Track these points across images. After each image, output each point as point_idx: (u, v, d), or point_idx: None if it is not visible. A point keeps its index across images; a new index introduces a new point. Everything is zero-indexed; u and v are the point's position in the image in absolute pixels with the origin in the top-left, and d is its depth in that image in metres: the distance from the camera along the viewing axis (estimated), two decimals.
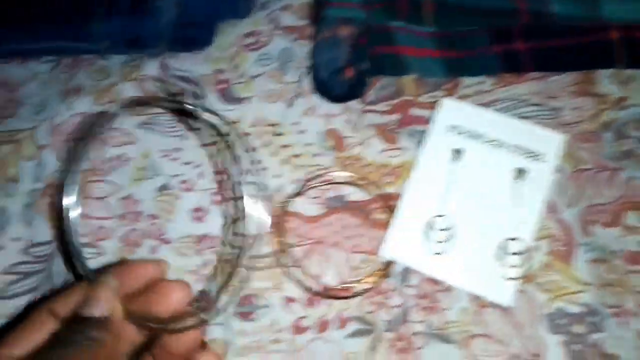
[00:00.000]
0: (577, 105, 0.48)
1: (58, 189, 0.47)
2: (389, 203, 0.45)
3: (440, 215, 0.43)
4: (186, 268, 0.44)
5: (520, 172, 0.44)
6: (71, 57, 0.53)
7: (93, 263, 0.44)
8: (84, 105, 0.50)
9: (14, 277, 0.44)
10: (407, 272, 0.43)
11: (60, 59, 0.53)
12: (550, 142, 0.44)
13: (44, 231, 0.46)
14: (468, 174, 0.44)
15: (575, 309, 0.40)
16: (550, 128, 0.46)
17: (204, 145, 0.49)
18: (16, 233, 0.46)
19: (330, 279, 0.43)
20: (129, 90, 0.51)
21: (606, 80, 0.49)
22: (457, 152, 0.45)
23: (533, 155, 0.44)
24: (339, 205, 0.46)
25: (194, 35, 0.52)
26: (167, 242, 0.45)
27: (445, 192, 0.44)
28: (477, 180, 0.44)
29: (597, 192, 0.44)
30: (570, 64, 0.48)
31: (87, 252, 0.45)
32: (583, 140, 0.46)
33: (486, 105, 0.48)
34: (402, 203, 0.44)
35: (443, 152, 0.45)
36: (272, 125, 0.49)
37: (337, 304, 0.43)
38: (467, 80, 0.50)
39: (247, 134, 0.49)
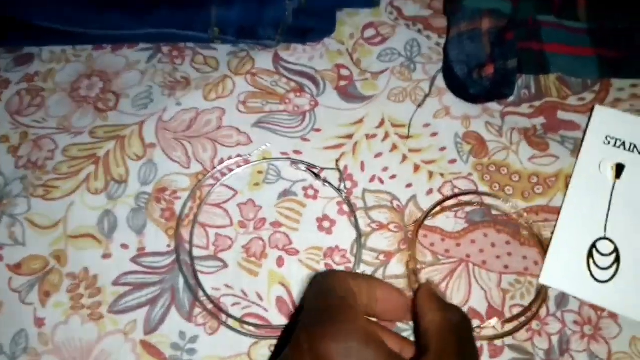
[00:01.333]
0: None
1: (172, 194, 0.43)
2: (540, 217, 0.41)
3: (603, 238, 0.39)
4: None
5: None
6: (170, 46, 0.50)
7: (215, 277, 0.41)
8: (194, 101, 0.47)
9: (124, 288, 0.41)
10: (565, 294, 0.39)
11: (157, 47, 0.50)
12: None
13: (159, 240, 0.42)
14: (631, 192, 0.40)
15: None
16: None
17: (325, 148, 0.45)
18: (124, 239, 0.42)
19: (477, 304, 0.40)
20: (242, 85, 0.47)
21: None
22: (619, 167, 0.41)
23: None
24: (481, 219, 0.42)
25: (313, 25, 0.48)
26: (292, 253, 0.42)
27: (607, 212, 0.40)
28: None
29: None
30: None
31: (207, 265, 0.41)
32: None
33: None
34: (560, 223, 0.40)
35: (602, 167, 0.41)
36: (400, 126, 0.46)
37: (484, 331, 0.39)
38: (618, 83, 0.46)
39: (373, 135, 0.45)
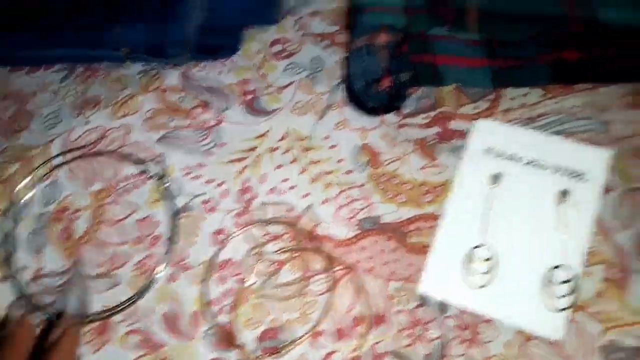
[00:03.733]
0: (630, 118, 0.46)
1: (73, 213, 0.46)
2: (428, 224, 0.43)
3: (480, 245, 0.41)
4: (205, 298, 0.43)
5: (564, 194, 0.42)
6: (84, 66, 0.52)
7: (109, 295, 0.43)
8: (102, 119, 0.49)
9: (22, 310, 0.43)
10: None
11: (72, 68, 0.52)
12: (596, 160, 0.42)
13: (55, 260, 0.44)
14: (508, 200, 0.42)
15: (631, 342, 0.38)
16: (602, 143, 0.44)
17: (230, 161, 0.47)
18: (24, 261, 0.44)
19: (363, 310, 0.42)
20: (150, 102, 0.50)
21: None
22: (495, 177, 0.43)
23: (577, 175, 0.42)
24: (372, 226, 0.44)
25: (220, 42, 0.50)
26: (186, 268, 0.44)
27: (484, 220, 0.42)
28: (518, 205, 0.42)
29: None
30: (626, 74, 0.46)
31: (101, 283, 0.43)
32: (636, 157, 0.44)
33: (532, 119, 0.46)
34: (440, 232, 0.42)
35: (480, 177, 0.43)
36: (302, 139, 0.48)
37: (371, 336, 0.41)
38: (511, 92, 0.48)
39: (276, 148, 0.47)
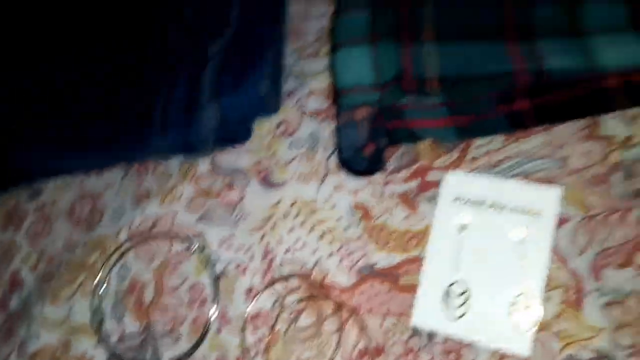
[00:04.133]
0: (585, 150, 0.52)
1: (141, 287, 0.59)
2: (415, 266, 0.52)
3: (455, 282, 0.49)
4: (244, 344, 0.54)
5: (522, 232, 0.49)
6: (138, 164, 0.65)
7: (175, 348, 0.55)
8: (153, 208, 0.62)
9: None
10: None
11: (129, 166, 0.66)
12: (547, 196, 0.49)
13: (133, 324, 0.57)
14: (475, 241, 0.50)
15: (585, 355, 0.45)
16: (559, 178, 0.51)
17: (253, 229, 0.58)
18: (111, 328, 0.58)
19: (366, 344, 0.51)
20: (188, 190, 0.62)
21: (612, 122, 0.52)
22: (463, 222, 0.51)
23: (532, 212, 0.49)
24: (370, 272, 0.53)
25: (235, 134, 0.62)
26: (228, 322, 0.55)
27: (457, 260, 0.50)
28: (483, 245, 0.49)
29: (609, 235, 0.48)
30: (572, 114, 0.52)
31: (168, 339, 0.56)
32: (593, 184, 0.50)
33: (496, 164, 0.53)
34: (423, 273, 0.51)
35: (452, 222, 0.51)
36: (307, 203, 0.58)
37: None
38: (478, 141, 0.55)
39: (287, 214, 0.58)
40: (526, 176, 0.52)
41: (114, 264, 0.60)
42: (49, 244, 0.64)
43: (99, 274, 0.60)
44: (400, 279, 0.52)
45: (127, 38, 0.66)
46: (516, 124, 0.53)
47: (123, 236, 0.61)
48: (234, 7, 0.62)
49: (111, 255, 0.61)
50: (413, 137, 0.56)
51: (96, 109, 0.65)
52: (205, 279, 0.57)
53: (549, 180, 0.51)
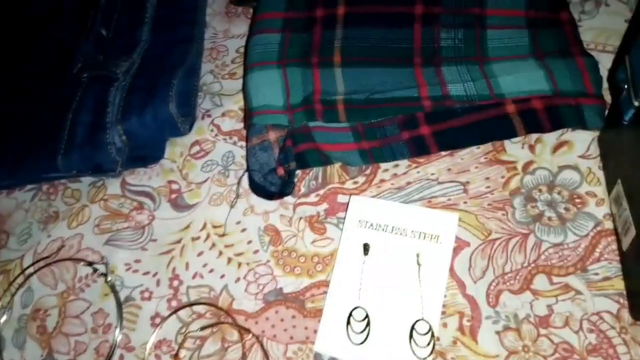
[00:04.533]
0: (487, 175, 0.52)
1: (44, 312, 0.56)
2: (320, 291, 0.51)
3: (357, 307, 0.49)
4: None
5: (420, 256, 0.49)
6: (48, 184, 0.63)
7: None
8: (60, 231, 0.59)
9: None
10: None
11: (40, 186, 0.63)
12: (445, 223, 0.49)
13: (35, 352, 0.55)
14: (377, 265, 0.49)
15: None
16: (459, 203, 0.51)
17: (160, 254, 0.56)
18: (11, 356, 0.55)
19: None
20: (96, 211, 0.60)
21: (513, 147, 0.53)
22: (366, 246, 0.50)
23: (430, 237, 0.49)
24: (275, 298, 0.52)
25: (145, 154, 0.60)
26: (131, 349, 0.53)
27: (360, 285, 0.49)
28: (384, 269, 0.49)
29: (507, 260, 0.49)
30: (472, 140, 0.52)
31: None
32: (493, 209, 0.51)
33: (401, 188, 0.53)
34: (327, 298, 0.50)
35: (356, 247, 0.50)
36: (218, 227, 0.57)
37: None
38: (385, 165, 0.55)
39: (197, 238, 0.57)
40: (428, 201, 0.52)
41: (17, 289, 0.57)
42: None
43: (1, 300, 0.57)
44: (306, 305, 0.51)
45: (38, 55, 0.64)
46: (420, 149, 0.53)
47: (28, 260, 0.59)
48: (145, 25, 0.60)
49: (14, 279, 0.58)
50: (322, 160, 0.55)
51: (6, 125, 0.63)
52: (110, 305, 0.55)
53: (450, 205, 0.51)
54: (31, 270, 0.58)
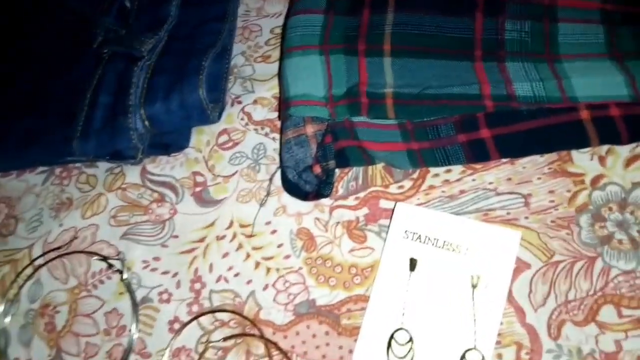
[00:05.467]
0: (551, 187, 0.46)
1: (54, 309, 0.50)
2: (358, 306, 0.45)
3: (400, 329, 0.43)
4: None
5: (477, 278, 0.42)
6: (61, 167, 0.57)
7: None
8: (73, 220, 0.53)
9: None
10: None
11: (52, 169, 0.57)
12: (506, 241, 0.43)
13: (42, 351, 0.49)
14: (424, 283, 0.43)
15: None
16: (519, 218, 0.45)
17: (182, 252, 0.50)
18: (16, 354, 0.49)
19: None
20: (113, 201, 0.54)
21: (582, 158, 0.46)
22: (413, 261, 0.44)
23: (488, 256, 0.43)
24: (307, 311, 0.46)
25: (169, 141, 0.54)
26: (147, 356, 0.48)
27: (404, 304, 0.43)
28: (433, 289, 0.43)
29: (571, 287, 0.43)
30: (539, 147, 0.46)
31: None
32: (557, 227, 0.44)
33: (453, 197, 0.47)
34: (366, 315, 0.44)
35: (400, 261, 0.44)
36: (245, 226, 0.50)
37: None
38: (435, 169, 0.48)
39: (223, 237, 0.50)
40: (485, 213, 0.45)
41: (25, 281, 0.52)
42: None
43: (7, 291, 0.51)
44: (341, 321, 0.45)
45: (55, 27, 0.57)
46: (478, 154, 0.46)
47: (37, 250, 0.53)
48: None
49: (23, 270, 0.52)
50: (365, 159, 0.49)
51: (18, 99, 0.56)
52: (125, 305, 0.49)
53: (509, 220, 0.45)
54: (41, 261, 0.52)
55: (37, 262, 0.52)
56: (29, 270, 0.52)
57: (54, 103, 0.54)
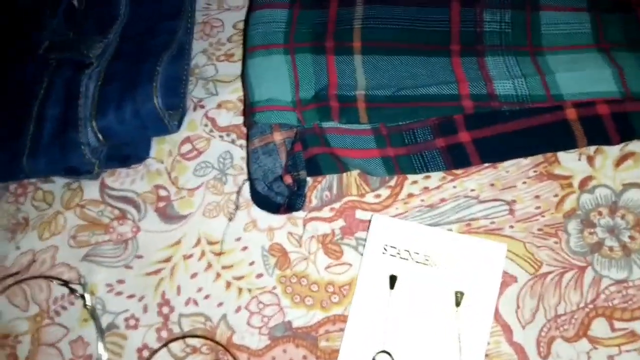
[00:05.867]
0: (537, 192, 0.43)
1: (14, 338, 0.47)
2: (336, 327, 0.42)
3: (382, 352, 0.40)
4: None
5: (461, 295, 0.39)
6: (17, 184, 0.52)
7: None
8: (31, 242, 0.49)
9: None
10: None
11: (6, 185, 0.52)
12: (491, 255, 0.40)
13: None
14: (406, 301, 0.40)
15: None
16: (504, 226, 0.42)
17: (147, 274, 0.47)
18: None
19: None
20: (72, 220, 0.50)
21: (569, 159, 0.43)
22: (393, 278, 0.41)
23: (473, 273, 0.40)
24: (283, 334, 0.43)
25: (128, 152, 0.49)
26: None
27: (385, 324, 0.40)
28: (415, 307, 0.40)
29: (561, 300, 0.40)
30: (523, 150, 0.42)
31: None
32: (544, 236, 0.41)
33: (433, 206, 0.43)
34: (345, 337, 0.41)
35: (379, 278, 0.41)
36: (214, 243, 0.47)
37: None
38: (413, 176, 0.45)
39: (190, 256, 0.47)
40: (467, 223, 0.42)
41: None
42: None
43: None
44: (319, 343, 0.42)
45: (4, 34, 0.52)
46: (458, 160, 0.43)
47: None
48: None
49: None
50: (338, 166, 0.45)
51: None
52: (91, 333, 0.46)
53: (493, 230, 0.42)
54: None
55: None
56: None
57: (2, 115, 0.49)
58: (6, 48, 0.52)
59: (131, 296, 0.46)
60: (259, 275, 0.45)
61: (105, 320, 0.46)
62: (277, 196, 0.45)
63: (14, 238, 0.50)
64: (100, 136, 0.46)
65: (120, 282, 0.47)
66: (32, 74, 0.49)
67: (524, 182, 0.43)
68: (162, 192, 0.49)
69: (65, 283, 0.47)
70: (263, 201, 0.46)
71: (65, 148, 0.46)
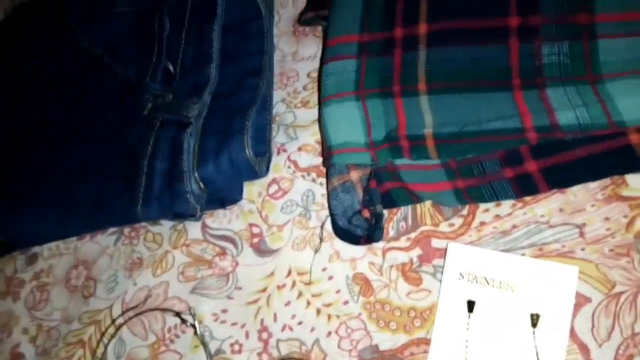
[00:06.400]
0: (606, 214, 0.44)
1: None
2: (421, 349, 0.45)
3: None
4: None
5: (536, 317, 0.41)
6: (130, 227, 0.59)
7: None
8: (146, 279, 0.56)
9: None
10: None
11: (122, 229, 0.60)
12: (564, 278, 0.41)
13: None
14: (484, 324, 0.43)
15: None
16: (576, 250, 0.43)
17: (247, 303, 0.52)
18: None
19: None
20: (179, 257, 0.56)
21: (637, 179, 0.44)
22: (471, 303, 0.43)
23: (547, 295, 0.41)
24: (371, 356, 0.47)
25: (224, 195, 0.55)
26: None
27: (466, 344, 0.43)
28: (493, 330, 0.42)
29: (637, 319, 0.41)
30: (588, 175, 0.44)
31: None
32: (616, 256, 0.42)
33: (505, 232, 0.46)
34: (430, 359, 0.44)
35: (458, 303, 0.44)
36: (302, 274, 0.51)
37: None
38: (484, 204, 0.47)
39: (283, 286, 0.51)
40: (539, 248, 0.44)
41: (110, 340, 0.55)
42: (46, 315, 0.59)
43: (95, 350, 0.55)
44: None
45: (102, 93, 0.60)
46: (526, 188, 0.45)
47: (117, 309, 0.56)
48: (213, 61, 0.54)
49: (106, 330, 0.55)
50: (411, 199, 0.48)
51: (77, 168, 0.59)
52: (201, 357, 0.51)
53: (565, 253, 0.43)
54: (121, 320, 0.55)
55: (118, 322, 0.55)
56: (111, 330, 0.55)
57: (113, 169, 0.57)
58: (112, 108, 0.59)
59: (234, 324, 0.51)
60: (345, 302, 0.49)
61: (213, 346, 0.51)
62: (357, 229, 0.49)
63: (131, 276, 0.57)
64: (201, 184, 0.52)
65: (224, 311, 0.52)
66: (139, 132, 0.56)
67: (593, 205, 0.44)
68: (255, 230, 0.54)
69: (178, 314, 0.53)
70: (344, 234, 0.50)
71: (173, 197, 0.52)
